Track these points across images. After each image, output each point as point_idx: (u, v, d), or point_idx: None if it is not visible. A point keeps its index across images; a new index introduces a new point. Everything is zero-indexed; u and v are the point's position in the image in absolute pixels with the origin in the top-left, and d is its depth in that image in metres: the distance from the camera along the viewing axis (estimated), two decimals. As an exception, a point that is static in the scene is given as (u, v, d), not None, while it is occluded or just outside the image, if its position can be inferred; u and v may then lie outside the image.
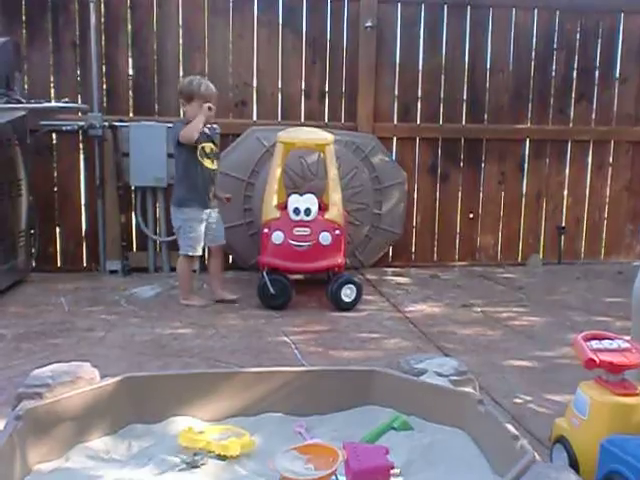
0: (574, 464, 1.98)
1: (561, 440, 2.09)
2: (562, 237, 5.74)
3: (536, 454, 1.82)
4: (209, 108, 4.04)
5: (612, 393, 2.01)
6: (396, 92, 5.45)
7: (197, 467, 2.03)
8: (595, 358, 2.04)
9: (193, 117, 4.02)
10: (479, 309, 4.24)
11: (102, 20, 5.00)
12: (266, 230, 4.13)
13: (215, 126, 4.23)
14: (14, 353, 3.24)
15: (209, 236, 4.18)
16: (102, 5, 4.98)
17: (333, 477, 1.84)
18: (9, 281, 4.38)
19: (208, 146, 4.12)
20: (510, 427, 1.99)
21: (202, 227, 4.12)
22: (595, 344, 2.11)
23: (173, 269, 5.08)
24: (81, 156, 5.08)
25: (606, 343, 2.13)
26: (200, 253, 4.24)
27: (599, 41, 5.65)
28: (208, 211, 4.15)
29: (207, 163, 4.12)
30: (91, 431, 2.17)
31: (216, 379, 2.39)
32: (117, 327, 3.70)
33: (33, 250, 4.81)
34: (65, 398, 2.11)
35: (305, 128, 4.66)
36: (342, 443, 1.92)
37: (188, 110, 4.07)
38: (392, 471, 1.87)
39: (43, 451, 2.03)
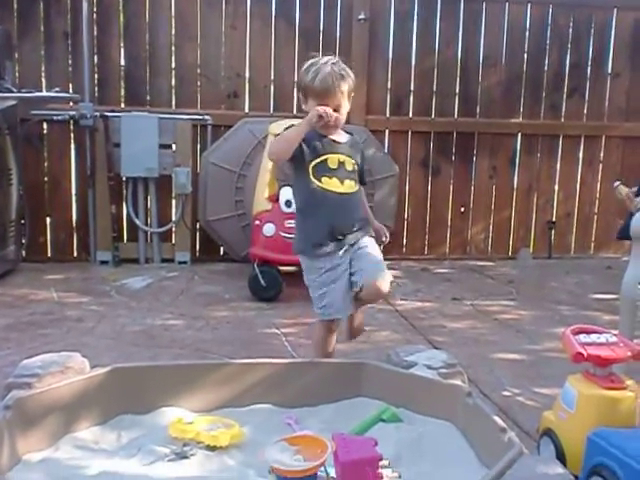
0: (561, 457, 2.00)
1: (548, 433, 2.11)
2: (552, 232, 5.76)
3: (523, 447, 1.83)
4: (320, 116, 2.55)
5: (599, 387, 2.03)
6: (389, 85, 5.45)
7: (186, 458, 2.03)
8: (583, 352, 2.05)
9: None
10: (469, 302, 4.26)
11: (94, 10, 4.96)
12: (257, 222, 4.13)
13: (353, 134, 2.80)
14: (3, 343, 3.23)
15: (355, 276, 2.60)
16: (94, -6, 4.96)
17: (322, 468, 1.85)
18: (-1, 271, 4.38)
19: (334, 158, 2.60)
20: (498, 420, 2.00)
21: (331, 280, 2.62)
22: (583, 338, 2.13)
23: (164, 260, 5.09)
24: (72, 146, 5.06)
25: (594, 337, 2.14)
26: (339, 316, 2.69)
27: (591, 36, 5.66)
28: (341, 254, 2.60)
29: (329, 184, 2.57)
30: (80, 421, 2.17)
31: (206, 370, 2.40)
32: (107, 318, 3.70)
33: (23, 240, 4.79)
34: (54, 388, 2.11)
35: (297, 120, 4.64)
36: (331, 435, 1.93)
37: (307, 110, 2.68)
38: (381, 463, 1.89)
39: (32, 441, 2.03)
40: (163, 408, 2.30)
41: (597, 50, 5.68)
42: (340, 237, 2.59)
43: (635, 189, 4.52)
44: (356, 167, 2.66)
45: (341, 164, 2.61)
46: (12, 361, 2.77)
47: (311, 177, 2.57)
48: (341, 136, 2.69)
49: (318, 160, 2.59)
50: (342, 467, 1.81)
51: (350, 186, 2.62)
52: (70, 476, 1.90)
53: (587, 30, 5.64)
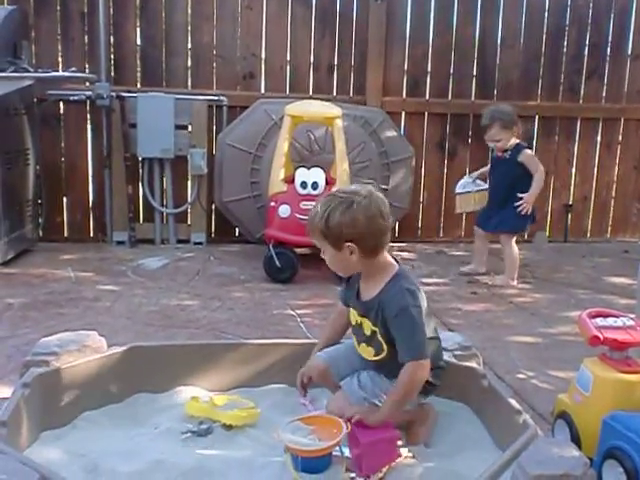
0: (576, 439, 2.00)
1: (563, 416, 2.11)
2: (569, 215, 5.71)
3: (538, 429, 1.84)
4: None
5: (615, 370, 2.02)
6: (405, 66, 5.40)
7: (203, 436, 2.06)
8: (599, 335, 2.05)
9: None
10: (484, 285, 4.24)
11: (110, -11, 4.96)
12: (273, 203, 4.13)
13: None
14: (21, 322, 3.26)
15: None
16: (110, -26, 4.94)
17: (337, 448, 1.86)
18: (16, 250, 4.40)
19: (354, 314, 2.13)
20: (513, 402, 2.00)
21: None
22: (600, 321, 2.12)
23: (180, 241, 5.11)
24: (88, 126, 5.06)
25: (611, 320, 2.14)
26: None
27: (611, 17, 5.57)
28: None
29: (361, 349, 2.12)
30: (98, 399, 2.20)
31: (222, 350, 2.42)
32: (124, 297, 3.72)
33: (40, 220, 4.83)
34: (72, 366, 2.14)
35: (313, 101, 4.63)
36: None
37: None
38: (398, 442, 1.91)
39: (50, 418, 2.06)
40: (179, 387, 2.32)
41: (617, 31, 5.59)
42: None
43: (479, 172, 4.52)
44: (379, 336, 2.01)
45: (359, 325, 2.10)
46: (30, 339, 2.80)
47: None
48: (372, 289, 2.05)
49: (349, 309, 2.17)
50: (362, 447, 1.83)
51: (366, 351, 2.09)
52: (87, 453, 1.93)
53: (607, 10, 5.55)
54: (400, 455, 1.89)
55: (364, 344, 2.09)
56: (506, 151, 4.24)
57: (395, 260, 2.09)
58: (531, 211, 4.21)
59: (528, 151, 4.26)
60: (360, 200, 1.97)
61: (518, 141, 4.26)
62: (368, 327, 2.05)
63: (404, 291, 1.97)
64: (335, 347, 2.24)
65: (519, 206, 4.13)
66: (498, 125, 4.16)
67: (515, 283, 4.27)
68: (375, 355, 2.06)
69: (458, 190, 4.59)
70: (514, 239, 4.32)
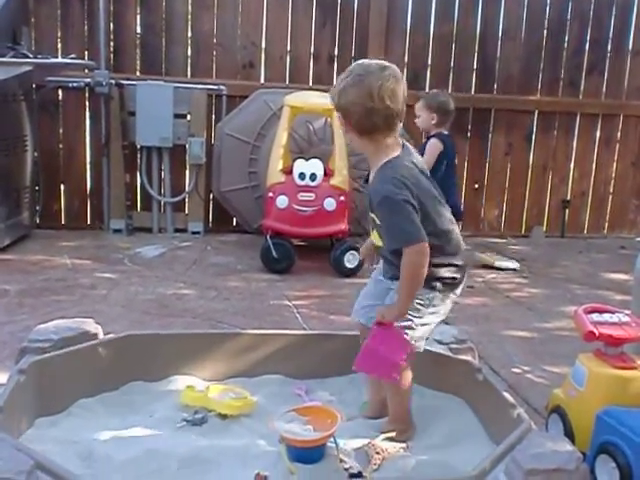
0: (570, 434, 2.01)
1: (557, 410, 2.12)
2: (566, 210, 5.72)
3: (532, 423, 1.84)
4: None
5: (610, 366, 2.03)
6: (405, 59, 5.39)
7: (198, 425, 2.06)
8: (595, 331, 2.05)
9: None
10: (480, 279, 4.25)
11: (111, -25, 4.93)
12: (271, 194, 4.13)
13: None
14: (17, 308, 3.26)
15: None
16: (111, -40, 4.91)
17: (331, 439, 1.87)
18: (13, 237, 4.39)
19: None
20: (507, 396, 2.01)
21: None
22: (595, 317, 2.13)
23: (177, 230, 5.10)
24: (87, 113, 5.05)
25: (606, 316, 2.14)
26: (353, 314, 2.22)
27: (613, 13, 5.56)
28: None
29: (373, 236, 2.11)
30: (93, 387, 2.20)
31: (218, 340, 2.42)
32: (120, 286, 3.72)
33: (37, 207, 4.82)
34: (68, 354, 2.14)
35: (313, 92, 4.62)
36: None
37: None
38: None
39: (45, 405, 2.06)
40: (175, 376, 2.33)
41: (618, 27, 5.58)
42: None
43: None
44: (377, 221, 2.00)
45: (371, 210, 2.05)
46: (26, 326, 2.80)
47: None
48: (373, 175, 2.03)
49: None
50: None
51: (375, 237, 2.07)
52: (82, 440, 1.93)
53: (609, 6, 5.54)
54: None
55: (374, 230, 2.07)
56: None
57: (403, 146, 2.03)
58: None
59: (433, 140, 4.21)
60: (359, 74, 1.97)
61: (439, 131, 4.24)
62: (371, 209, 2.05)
63: (388, 179, 1.92)
64: (362, 293, 2.21)
65: None
66: (422, 102, 4.24)
67: None
68: (381, 241, 2.03)
69: None
70: None
